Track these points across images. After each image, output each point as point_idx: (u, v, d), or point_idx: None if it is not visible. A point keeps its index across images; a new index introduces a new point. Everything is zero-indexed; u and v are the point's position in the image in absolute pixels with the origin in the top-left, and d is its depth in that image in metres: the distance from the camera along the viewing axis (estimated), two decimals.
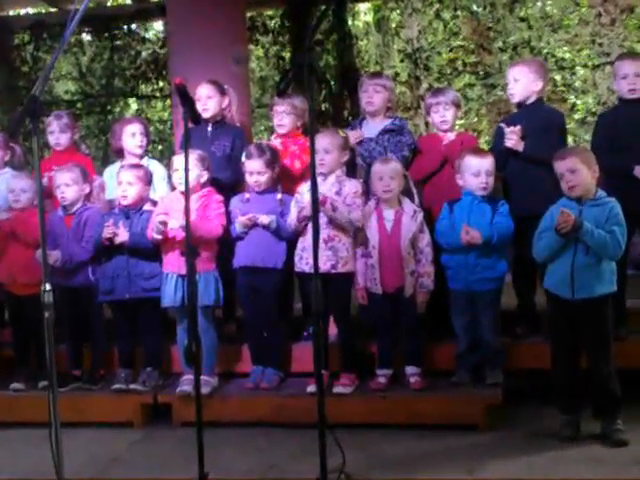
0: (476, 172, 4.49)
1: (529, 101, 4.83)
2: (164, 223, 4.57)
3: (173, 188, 4.95)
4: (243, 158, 4.85)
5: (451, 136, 4.92)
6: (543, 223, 4.10)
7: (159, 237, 4.63)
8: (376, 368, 4.64)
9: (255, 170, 4.72)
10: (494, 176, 4.54)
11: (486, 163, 4.51)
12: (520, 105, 4.90)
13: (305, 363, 4.54)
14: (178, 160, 4.68)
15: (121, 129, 5.32)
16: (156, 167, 5.27)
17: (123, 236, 4.72)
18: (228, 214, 4.79)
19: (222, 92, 5.20)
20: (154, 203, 4.93)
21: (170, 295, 4.69)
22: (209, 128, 5.14)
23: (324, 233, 4.47)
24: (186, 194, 3.47)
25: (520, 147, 4.67)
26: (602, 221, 3.96)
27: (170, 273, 4.69)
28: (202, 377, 4.26)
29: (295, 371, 4.86)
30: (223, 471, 3.75)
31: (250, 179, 4.76)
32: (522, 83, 4.81)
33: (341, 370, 4.62)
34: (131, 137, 5.25)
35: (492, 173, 4.53)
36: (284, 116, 5.07)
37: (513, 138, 4.67)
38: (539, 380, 4.42)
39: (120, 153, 5.38)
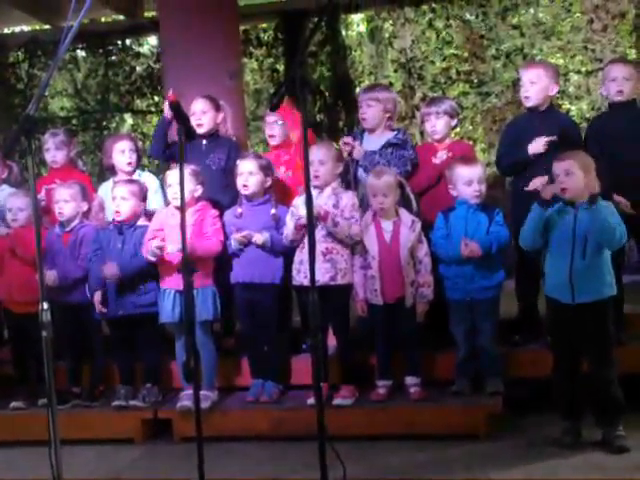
0: (468, 181, 4.50)
1: (543, 107, 4.75)
2: (161, 248, 4.58)
3: (167, 202, 4.94)
4: (237, 162, 4.82)
5: (442, 155, 4.81)
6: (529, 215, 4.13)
7: (154, 259, 4.64)
8: (376, 379, 4.63)
9: (246, 170, 4.70)
10: (486, 183, 4.55)
11: (477, 171, 4.53)
12: (529, 109, 4.81)
13: (304, 376, 4.53)
14: (172, 175, 4.69)
15: (111, 146, 5.33)
16: (148, 179, 5.27)
17: (112, 272, 4.71)
18: (224, 228, 4.79)
19: (217, 107, 5.19)
20: (148, 217, 4.92)
21: (168, 311, 4.68)
22: (204, 142, 5.13)
23: (322, 246, 4.48)
24: (182, 209, 3.47)
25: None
26: (597, 223, 3.95)
27: (167, 289, 4.69)
28: (202, 392, 4.25)
29: (295, 384, 4.85)
30: None
31: (239, 180, 4.71)
32: (538, 87, 4.70)
33: (341, 382, 4.62)
34: (121, 154, 5.25)
35: (484, 180, 4.54)
36: (275, 126, 5.08)
37: (540, 148, 4.59)
38: (539, 388, 4.42)
39: (112, 170, 5.39)
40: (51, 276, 4.72)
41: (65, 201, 4.90)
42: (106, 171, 5.66)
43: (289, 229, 4.57)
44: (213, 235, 4.69)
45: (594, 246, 3.97)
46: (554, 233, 4.08)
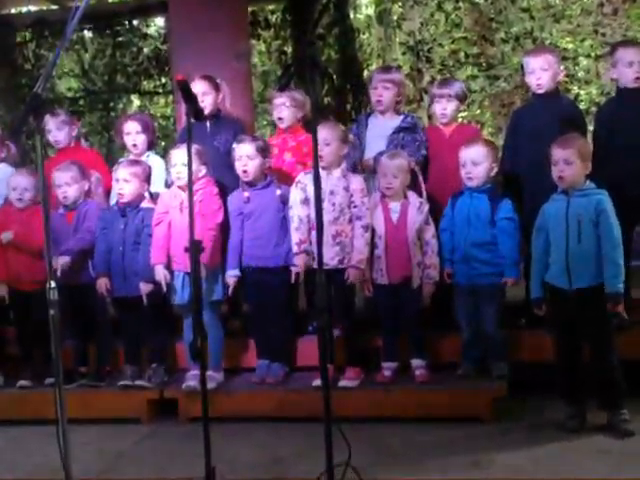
0: (462, 163, 4.50)
1: (549, 92, 4.71)
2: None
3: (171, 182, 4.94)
4: (234, 145, 4.80)
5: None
6: (538, 220, 4.15)
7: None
8: (381, 361, 4.64)
9: (245, 154, 4.66)
10: (487, 166, 4.48)
11: (470, 153, 4.48)
12: (535, 94, 4.78)
13: (310, 357, 4.53)
14: (176, 155, 4.67)
15: (120, 127, 5.35)
16: (155, 162, 5.25)
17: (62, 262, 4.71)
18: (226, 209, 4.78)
19: (216, 87, 5.16)
20: (153, 199, 4.91)
21: (178, 292, 4.70)
22: (208, 124, 5.09)
23: (332, 229, 4.47)
24: (189, 190, 3.46)
25: None
26: (591, 211, 3.97)
27: (177, 271, 4.70)
28: (208, 372, 4.26)
29: (301, 365, 4.86)
30: (230, 466, 3.76)
31: (238, 165, 4.68)
32: (551, 73, 4.66)
33: (346, 364, 4.63)
34: (126, 136, 5.26)
35: (481, 162, 4.46)
36: (283, 109, 5.05)
37: None
38: (544, 372, 4.42)
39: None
40: (61, 260, 4.72)
41: (67, 184, 4.90)
42: (122, 150, 5.66)
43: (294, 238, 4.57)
44: (211, 218, 4.66)
45: (589, 230, 3.97)
46: (550, 222, 4.09)
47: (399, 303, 4.57)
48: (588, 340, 4.07)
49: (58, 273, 4.54)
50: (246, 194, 4.75)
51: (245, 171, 4.68)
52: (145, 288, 4.72)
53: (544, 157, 4.30)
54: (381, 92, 4.95)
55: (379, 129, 4.95)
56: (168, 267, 4.73)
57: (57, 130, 5.38)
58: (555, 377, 4.20)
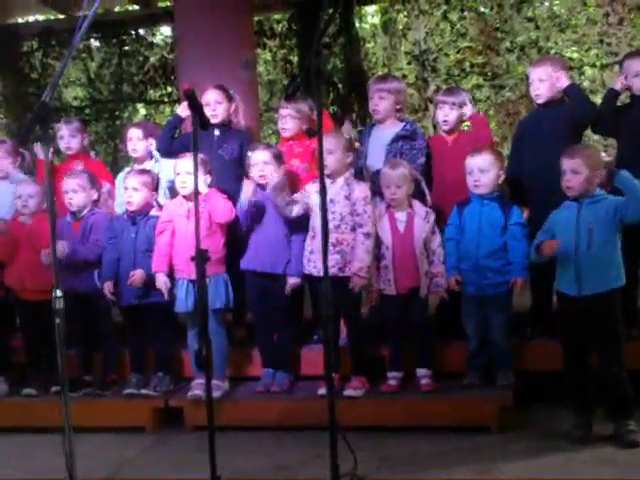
0: (469, 171, 4.50)
1: (553, 102, 4.73)
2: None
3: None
4: (249, 153, 4.82)
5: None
6: (546, 224, 4.15)
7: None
8: (387, 371, 4.63)
9: (261, 160, 4.70)
10: (494, 174, 4.47)
11: (477, 161, 4.47)
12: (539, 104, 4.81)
13: (315, 366, 4.54)
14: (180, 164, 4.69)
15: (125, 134, 5.41)
16: (164, 162, 5.26)
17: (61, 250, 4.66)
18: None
19: (229, 98, 5.20)
20: (161, 207, 4.94)
21: (181, 301, 4.70)
22: (216, 132, 5.12)
23: (332, 237, 4.45)
24: (195, 197, 3.47)
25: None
26: (602, 215, 3.97)
27: (180, 279, 4.71)
28: (213, 381, 4.26)
29: (306, 374, 4.86)
30: (235, 474, 3.75)
31: (254, 171, 4.72)
32: (548, 83, 4.70)
33: (351, 373, 4.62)
34: (129, 142, 5.32)
35: (489, 170, 4.45)
36: (288, 119, 5.07)
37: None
38: (551, 381, 4.41)
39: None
40: (61, 247, 4.66)
41: (74, 191, 4.92)
42: (128, 159, 5.71)
43: (245, 195, 4.59)
44: (227, 208, 4.68)
45: (599, 236, 3.96)
46: (559, 228, 4.08)
47: (406, 313, 4.56)
48: (597, 349, 4.06)
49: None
50: (253, 198, 4.75)
51: (262, 176, 4.71)
52: (139, 276, 4.72)
53: (546, 166, 4.33)
54: (377, 102, 4.95)
55: (379, 138, 4.95)
56: (170, 276, 4.74)
57: (70, 137, 5.44)
58: (562, 386, 4.19)
